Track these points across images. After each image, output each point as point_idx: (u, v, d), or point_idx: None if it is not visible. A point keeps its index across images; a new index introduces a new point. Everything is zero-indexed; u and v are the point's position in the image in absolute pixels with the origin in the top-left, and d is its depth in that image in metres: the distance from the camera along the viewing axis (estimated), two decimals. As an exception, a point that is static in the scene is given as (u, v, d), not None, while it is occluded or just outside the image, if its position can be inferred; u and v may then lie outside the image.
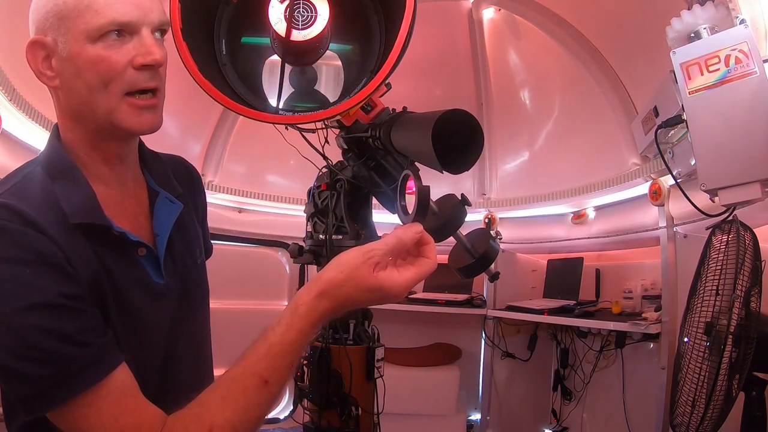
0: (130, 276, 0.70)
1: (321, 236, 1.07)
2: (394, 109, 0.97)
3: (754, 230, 1.29)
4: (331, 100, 0.94)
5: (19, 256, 0.58)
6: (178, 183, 0.84)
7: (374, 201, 1.19)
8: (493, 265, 1.18)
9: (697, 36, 1.40)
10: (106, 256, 0.66)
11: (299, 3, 0.82)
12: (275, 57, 0.91)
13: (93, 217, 0.65)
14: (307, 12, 0.82)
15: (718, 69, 1.28)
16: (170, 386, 0.74)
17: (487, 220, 3.07)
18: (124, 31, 0.64)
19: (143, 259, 0.72)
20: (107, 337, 0.62)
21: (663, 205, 2.16)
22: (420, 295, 3.15)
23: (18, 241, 0.58)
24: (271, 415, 3.16)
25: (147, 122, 0.68)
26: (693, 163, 1.56)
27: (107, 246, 0.67)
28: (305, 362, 1.11)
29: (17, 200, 0.62)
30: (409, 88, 2.67)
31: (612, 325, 2.30)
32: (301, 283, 3.20)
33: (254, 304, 3.08)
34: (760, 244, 1.28)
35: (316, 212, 1.12)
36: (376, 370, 1.07)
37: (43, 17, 0.63)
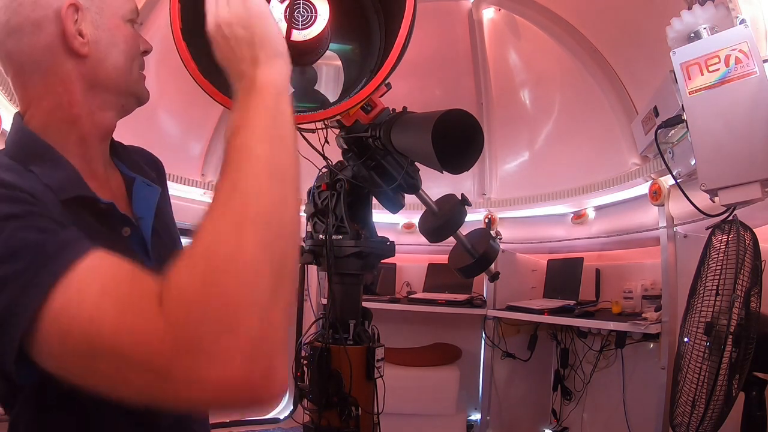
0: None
1: (321, 236, 1.07)
2: (394, 109, 0.97)
3: (754, 230, 1.29)
4: (331, 100, 0.94)
5: None
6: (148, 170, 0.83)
7: (374, 201, 1.19)
8: (493, 265, 1.18)
9: (697, 36, 1.40)
10: (95, 235, 0.55)
11: (299, 3, 0.82)
12: None
13: (79, 190, 0.62)
14: (307, 12, 0.82)
15: (718, 69, 1.28)
16: None
17: (487, 220, 3.07)
18: (135, 22, 0.74)
19: (129, 240, 0.68)
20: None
21: (663, 205, 2.16)
22: (420, 295, 3.15)
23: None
24: (270, 415, 3.16)
25: (148, 92, 0.77)
26: (693, 163, 1.56)
27: (95, 223, 0.64)
28: (305, 362, 1.11)
29: None
30: (409, 88, 2.68)
31: (612, 325, 2.30)
32: (301, 283, 3.20)
33: (254, 304, 3.08)
34: (760, 244, 1.28)
35: (316, 212, 1.12)
36: (376, 370, 1.07)
37: None
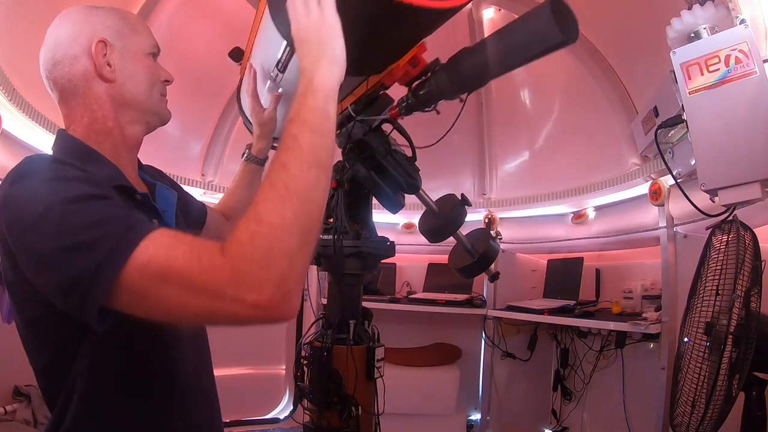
0: None
1: (322, 236, 1.07)
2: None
3: (754, 230, 1.29)
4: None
5: (63, 175, 0.66)
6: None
7: (374, 201, 1.19)
8: (493, 265, 1.18)
9: (697, 36, 1.40)
10: None
11: None
12: None
13: (122, 181, 0.78)
14: None
15: (718, 69, 1.28)
16: (178, 368, 0.81)
17: (487, 220, 3.07)
18: (156, 55, 0.90)
19: None
20: None
21: (663, 205, 2.16)
22: (420, 295, 3.15)
23: (62, 168, 0.68)
24: (270, 415, 3.17)
25: (169, 113, 0.93)
26: (693, 163, 1.56)
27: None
28: (305, 362, 1.11)
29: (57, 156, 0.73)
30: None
31: (612, 325, 2.30)
32: (301, 283, 3.19)
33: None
34: (760, 244, 1.28)
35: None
36: (376, 370, 1.07)
37: (106, 29, 0.83)
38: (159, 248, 0.59)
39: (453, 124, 1.10)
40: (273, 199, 0.60)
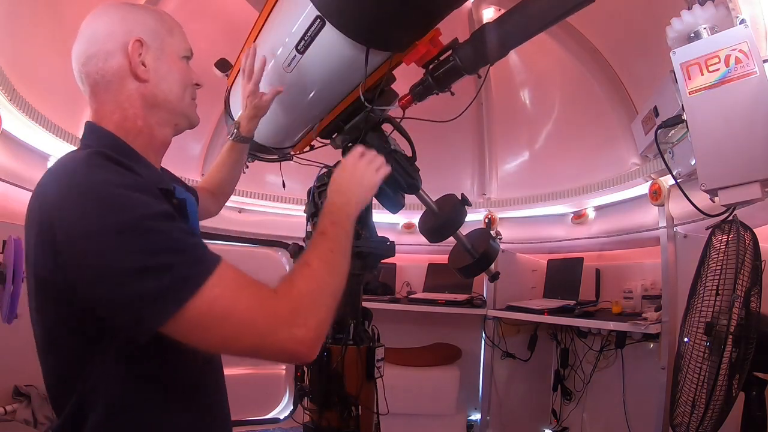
0: None
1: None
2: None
3: (754, 230, 1.29)
4: None
5: (129, 183, 0.67)
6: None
7: (374, 201, 1.19)
8: (493, 265, 1.18)
9: (697, 36, 1.40)
10: None
11: None
12: None
13: (165, 184, 0.78)
14: None
15: (718, 69, 1.28)
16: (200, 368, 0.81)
17: (487, 220, 3.07)
18: (189, 58, 0.91)
19: None
20: None
21: (663, 205, 2.16)
22: (420, 295, 3.15)
23: (123, 173, 0.69)
24: (270, 415, 3.17)
25: (198, 117, 0.93)
26: (693, 163, 1.56)
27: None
28: (305, 362, 1.11)
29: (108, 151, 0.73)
30: (409, 87, 2.67)
31: (612, 325, 2.30)
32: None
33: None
34: (760, 244, 1.28)
35: (317, 212, 1.12)
36: (376, 370, 1.07)
37: (144, 28, 0.83)
38: (225, 290, 0.63)
39: (474, 98, 1.16)
40: (324, 270, 0.77)
